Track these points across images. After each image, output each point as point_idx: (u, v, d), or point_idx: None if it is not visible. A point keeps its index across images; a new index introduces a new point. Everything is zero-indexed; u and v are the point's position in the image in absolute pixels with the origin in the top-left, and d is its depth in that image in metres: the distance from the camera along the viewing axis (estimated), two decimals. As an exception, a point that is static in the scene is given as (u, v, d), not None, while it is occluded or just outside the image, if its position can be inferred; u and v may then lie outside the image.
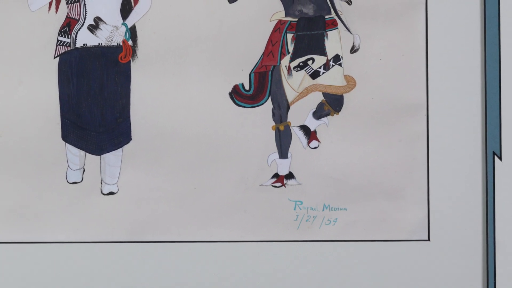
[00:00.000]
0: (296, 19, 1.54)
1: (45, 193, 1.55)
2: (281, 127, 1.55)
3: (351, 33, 1.53)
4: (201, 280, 1.54)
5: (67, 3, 1.53)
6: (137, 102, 1.53)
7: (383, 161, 1.54)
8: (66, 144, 1.55)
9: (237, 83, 1.53)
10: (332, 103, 1.55)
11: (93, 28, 1.53)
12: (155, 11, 1.51)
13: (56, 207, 1.55)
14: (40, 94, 1.53)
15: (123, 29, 1.53)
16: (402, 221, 1.54)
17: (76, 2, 1.53)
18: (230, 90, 1.53)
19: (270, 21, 1.53)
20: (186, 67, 1.52)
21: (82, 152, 1.56)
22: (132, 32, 1.53)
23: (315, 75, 1.56)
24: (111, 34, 1.53)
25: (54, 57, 1.53)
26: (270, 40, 1.53)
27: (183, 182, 1.54)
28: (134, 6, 1.53)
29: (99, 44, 1.54)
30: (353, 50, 1.53)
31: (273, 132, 1.55)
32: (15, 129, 1.53)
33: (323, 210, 1.55)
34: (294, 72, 1.56)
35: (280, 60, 1.55)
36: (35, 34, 1.52)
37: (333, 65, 1.55)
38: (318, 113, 1.55)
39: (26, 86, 1.52)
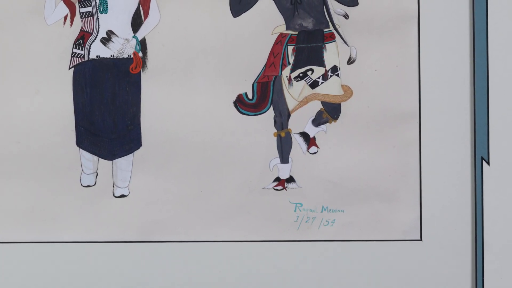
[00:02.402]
0: (297, 32, 1.54)
1: (60, 196, 1.54)
2: (282, 134, 1.55)
3: (348, 46, 1.53)
4: (206, 278, 1.54)
5: (81, 18, 1.52)
6: (147, 110, 1.53)
7: (378, 165, 1.53)
8: (80, 149, 1.54)
9: (241, 92, 1.53)
10: (330, 111, 1.54)
11: (105, 41, 1.53)
12: (164, 24, 1.51)
13: (70, 209, 1.54)
14: (56, 103, 1.52)
15: (134, 41, 1.52)
16: (396, 222, 1.54)
17: (90, 17, 1.52)
18: (234, 99, 1.53)
19: (272, 34, 1.52)
20: (193, 77, 1.52)
21: (95, 157, 1.55)
22: (142, 44, 1.52)
23: (314, 85, 1.55)
24: (122, 46, 1.53)
25: (69, 68, 1.52)
26: (272, 52, 1.53)
27: (190, 185, 1.54)
28: (144, 20, 1.52)
29: (111, 55, 1.53)
30: (350, 61, 1.53)
31: (275, 138, 1.55)
32: (33, 135, 1.52)
33: (321, 211, 1.55)
34: (294, 82, 1.55)
35: (281, 70, 1.54)
36: (51, 46, 1.52)
37: (331, 76, 1.54)
38: (317, 121, 1.55)
39: (43, 95, 1.52)
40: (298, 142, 1.56)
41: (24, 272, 1.54)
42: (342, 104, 1.54)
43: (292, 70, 1.55)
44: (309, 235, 1.55)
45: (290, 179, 1.55)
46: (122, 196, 1.55)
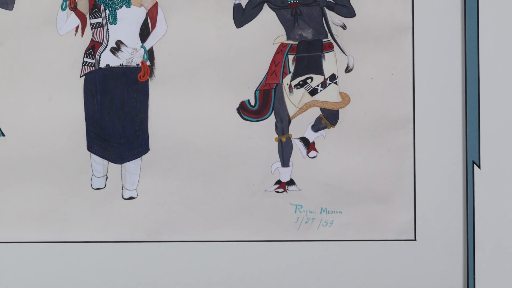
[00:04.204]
0: (297, 42, 1.55)
1: (72, 198, 1.55)
2: (283, 139, 1.56)
3: (346, 55, 1.54)
4: (211, 276, 1.55)
5: (91, 28, 1.54)
6: (154, 117, 1.54)
7: (374, 169, 1.54)
8: (91, 154, 1.55)
9: (244, 99, 1.54)
10: (328, 117, 1.55)
11: (115, 50, 1.54)
12: (171, 35, 1.52)
13: (82, 211, 1.55)
14: (68, 109, 1.54)
15: (142, 51, 1.54)
16: (391, 222, 1.54)
17: (100, 27, 1.54)
18: (237, 105, 1.54)
19: (273, 44, 1.54)
20: (198, 85, 1.53)
21: (105, 161, 1.56)
22: (150, 54, 1.54)
23: (313, 92, 1.56)
24: (131, 55, 1.54)
25: (80, 76, 1.54)
26: (273, 61, 1.54)
27: (195, 188, 1.55)
28: (152, 30, 1.53)
29: (120, 64, 1.54)
30: (348, 70, 1.54)
31: (276, 143, 1.56)
32: (46, 140, 1.53)
33: (320, 213, 1.55)
34: (294, 90, 1.56)
35: (282, 79, 1.55)
36: (63, 55, 1.53)
37: (329, 84, 1.55)
38: (316, 126, 1.56)
39: (55, 102, 1.53)
40: (298, 147, 1.57)
41: (37, 271, 1.55)
42: (340, 110, 1.55)
43: (293, 78, 1.56)
44: (308, 235, 1.55)
45: (291, 182, 1.56)
46: (131, 198, 1.56)
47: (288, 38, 1.55)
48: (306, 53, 1.56)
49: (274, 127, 1.57)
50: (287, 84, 1.57)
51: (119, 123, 1.56)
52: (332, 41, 1.55)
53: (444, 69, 1.51)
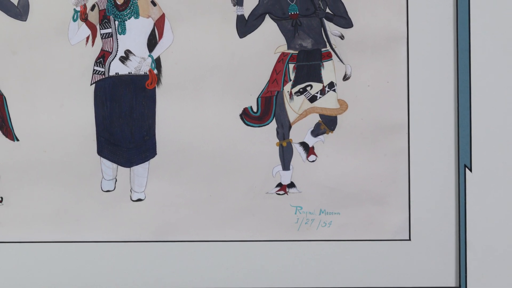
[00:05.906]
0: (297, 52, 1.56)
1: (83, 200, 1.56)
2: (284, 144, 1.57)
3: (344, 64, 1.55)
4: (215, 274, 1.55)
5: (101, 38, 1.56)
6: (161, 122, 1.55)
7: (371, 172, 1.55)
8: (101, 158, 1.57)
9: (246, 106, 1.55)
10: (327, 123, 1.57)
11: (124, 59, 1.56)
12: (177, 45, 1.54)
13: (92, 212, 1.57)
14: (79, 116, 1.55)
15: (150, 60, 1.55)
16: (387, 223, 1.55)
17: (110, 37, 1.55)
18: (240, 112, 1.55)
19: (275, 53, 1.55)
20: (203, 92, 1.54)
21: (115, 165, 1.58)
22: (157, 62, 1.55)
23: (313, 99, 1.57)
24: (139, 64, 1.56)
25: (91, 84, 1.55)
26: (274, 70, 1.55)
27: (200, 190, 1.56)
28: (159, 40, 1.55)
29: (129, 73, 1.56)
30: (345, 78, 1.55)
31: (277, 147, 1.57)
32: (58, 145, 1.55)
33: (319, 214, 1.56)
34: (295, 97, 1.58)
35: (283, 86, 1.57)
36: (75, 64, 1.54)
37: (328, 91, 1.56)
38: (316, 132, 1.57)
39: (67, 109, 1.55)
40: (298, 151, 1.58)
41: (49, 269, 1.56)
42: (338, 116, 1.57)
43: (293, 86, 1.58)
44: (308, 235, 1.56)
45: (291, 185, 1.58)
46: (139, 200, 1.58)
47: (288, 48, 1.57)
48: (306, 62, 1.57)
49: (275, 132, 1.59)
50: (288, 91, 1.58)
51: (127, 128, 1.58)
52: (330, 50, 1.57)
53: (437, 76, 1.52)
